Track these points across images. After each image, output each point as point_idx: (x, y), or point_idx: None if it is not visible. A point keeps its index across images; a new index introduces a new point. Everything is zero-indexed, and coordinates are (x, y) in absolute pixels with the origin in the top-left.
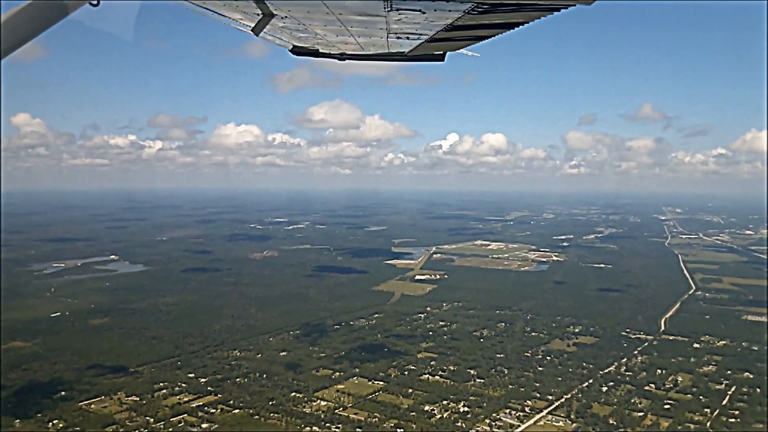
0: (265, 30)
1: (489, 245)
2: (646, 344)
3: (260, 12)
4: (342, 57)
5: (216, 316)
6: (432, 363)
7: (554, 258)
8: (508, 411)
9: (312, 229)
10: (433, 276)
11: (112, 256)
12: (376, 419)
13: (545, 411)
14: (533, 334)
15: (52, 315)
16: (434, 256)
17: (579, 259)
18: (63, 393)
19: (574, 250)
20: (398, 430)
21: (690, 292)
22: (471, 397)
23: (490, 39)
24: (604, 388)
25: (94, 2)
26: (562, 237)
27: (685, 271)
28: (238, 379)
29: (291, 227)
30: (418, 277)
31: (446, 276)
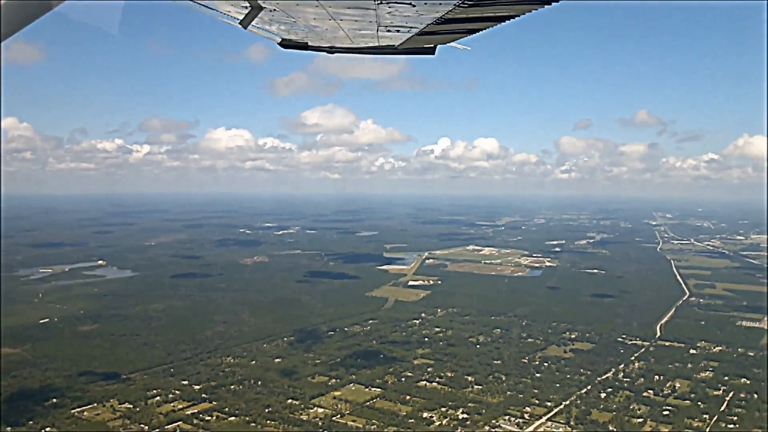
0: (253, 22)
1: (481, 250)
2: (642, 350)
3: (249, 4)
4: (331, 50)
5: (208, 323)
6: (429, 369)
7: (547, 263)
8: (507, 417)
9: (302, 234)
10: (426, 282)
11: (100, 262)
12: (375, 426)
13: (544, 417)
14: (529, 340)
15: (41, 321)
16: (427, 261)
17: (572, 264)
18: (54, 400)
19: (566, 255)
20: None
21: (684, 298)
22: (470, 404)
23: (481, 32)
24: (603, 395)
25: None
26: (554, 242)
27: (679, 277)
28: (232, 386)
29: (281, 232)
30: (411, 282)
31: (440, 282)
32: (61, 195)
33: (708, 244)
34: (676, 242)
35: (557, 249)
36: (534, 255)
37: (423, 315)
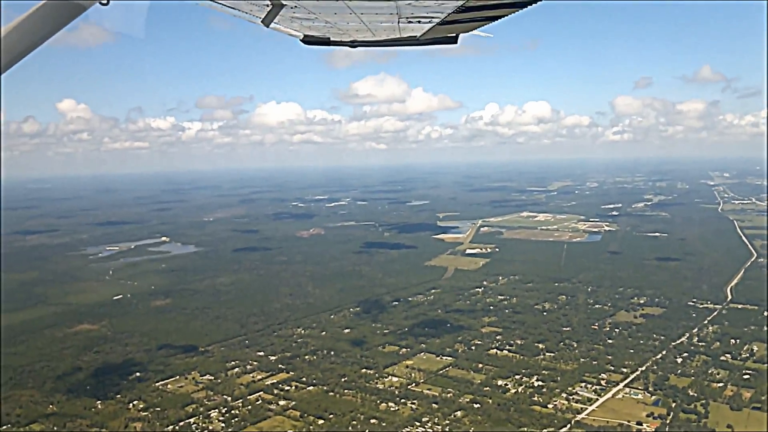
0: (274, 21)
1: (536, 216)
2: (715, 314)
3: (270, 2)
4: (353, 44)
5: (274, 295)
6: (498, 337)
7: (606, 228)
8: (583, 384)
9: (353, 206)
10: (483, 250)
11: (163, 238)
12: (451, 394)
13: (622, 384)
14: (597, 306)
15: (115, 297)
16: (482, 229)
17: (631, 228)
18: (138, 374)
19: (624, 219)
20: (475, 405)
21: (752, 260)
22: (543, 372)
23: (502, 18)
24: (679, 360)
25: (104, 1)
26: (611, 206)
27: (744, 238)
28: (307, 357)
29: (332, 204)
30: (468, 251)
31: (497, 249)
32: (116, 174)
33: None
34: (737, 202)
35: (614, 213)
36: (591, 219)
37: (485, 283)
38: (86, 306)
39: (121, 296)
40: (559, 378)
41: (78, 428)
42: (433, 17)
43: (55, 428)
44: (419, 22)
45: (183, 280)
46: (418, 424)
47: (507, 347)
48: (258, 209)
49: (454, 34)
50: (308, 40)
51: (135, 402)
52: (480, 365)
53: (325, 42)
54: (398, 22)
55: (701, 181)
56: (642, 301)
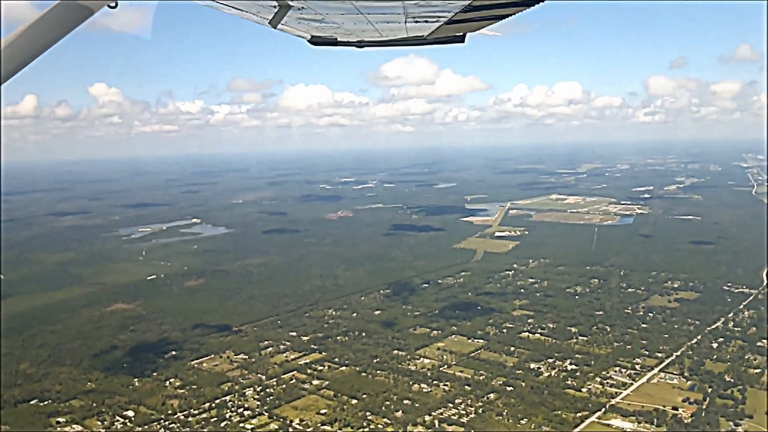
0: (282, 21)
1: (566, 199)
2: (751, 298)
3: (277, 4)
4: (361, 44)
5: (305, 276)
6: (529, 321)
7: (637, 211)
8: (617, 369)
9: (380, 188)
10: (513, 232)
11: (194, 220)
12: (483, 377)
13: (656, 369)
14: (630, 290)
15: (149, 278)
16: (510, 212)
17: (664, 211)
18: (174, 352)
19: (656, 201)
20: (508, 388)
21: None
22: (577, 355)
23: (510, 17)
24: (715, 345)
25: (112, 4)
26: (642, 189)
27: None
28: (338, 337)
29: (359, 187)
30: (497, 234)
31: (527, 232)
32: (144, 157)
33: None
34: None
35: (646, 195)
36: (622, 202)
37: (515, 266)
38: (121, 286)
39: (155, 276)
40: (592, 362)
41: (116, 404)
42: (440, 17)
43: (94, 404)
44: (426, 21)
45: (215, 261)
46: (451, 405)
47: (539, 330)
48: (286, 191)
49: (462, 33)
50: (316, 41)
51: (171, 380)
52: (512, 348)
53: (333, 42)
54: (405, 22)
55: (734, 163)
56: (676, 286)
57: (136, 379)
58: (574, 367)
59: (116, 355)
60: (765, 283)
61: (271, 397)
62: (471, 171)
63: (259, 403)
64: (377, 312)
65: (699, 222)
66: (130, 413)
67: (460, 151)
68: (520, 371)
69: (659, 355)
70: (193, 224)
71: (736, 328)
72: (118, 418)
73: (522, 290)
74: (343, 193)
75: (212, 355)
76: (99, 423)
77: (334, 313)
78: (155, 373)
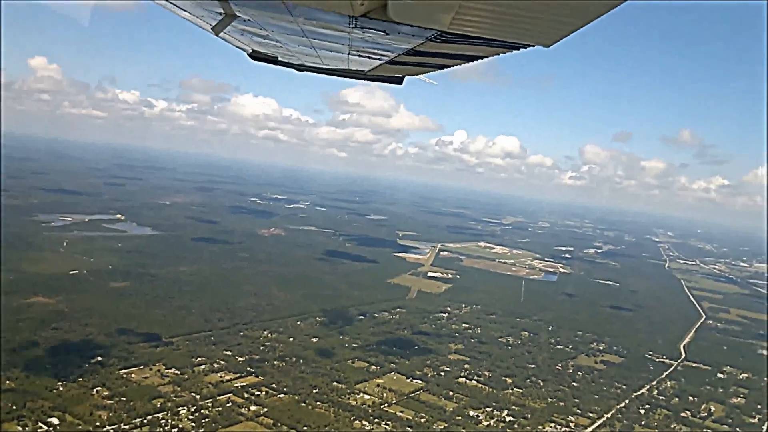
0: (225, 30)
1: (493, 248)
2: (671, 369)
3: (223, 11)
4: (300, 67)
5: (238, 292)
6: (465, 366)
7: (561, 269)
8: (553, 425)
9: (312, 210)
10: (445, 274)
11: (118, 216)
12: (424, 419)
13: (590, 429)
14: (559, 347)
15: (71, 272)
16: (441, 253)
17: (585, 273)
18: (100, 358)
19: (577, 263)
20: None
21: (701, 321)
22: (513, 407)
23: (449, 68)
24: (642, 411)
25: None
26: (563, 248)
27: (692, 298)
28: (275, 362)
29: (291, 206)
30: (430, 274)
31: (458, 276)
32: (70, 140)
33: (713, 267)
34: (682, 261)
35: (567, 255)
36: (546, 259)
37: (449, 309)
38: (41, 277)
39: (77, 272)
40: (529, 415)
41: (39, 409)
42: (383, 55)
43: (13, 406)
44: (369, 57)
45: (141, 263)
46: None
47: (475, 377)
48: (215, 199)
49: (401, 75)
50: (256, 56)
51: (99, 388)
52: (450, 393)
53: (273, 60)
54: (348, 54)
55: (646, 236)
56: (601, 348)
57: (60, 383)
58: (511, 418)
59: (37, 352)
60: (683, 356)
61: (207, 419)
62: (402, 206)
63: (194, 424)
64: (314, 339)
65: (618, 288)
66: (55, 420)
67: (391, 184)
68: (460, 417)
69: (591, 415)
70: (117, 220)
71: (660, 397)
72: (41, 424)
73: (456, 334)
74: (275, 210)
75: (142, 366)
76: (20, 429)
77: (269, 335)
78: (81, 379)
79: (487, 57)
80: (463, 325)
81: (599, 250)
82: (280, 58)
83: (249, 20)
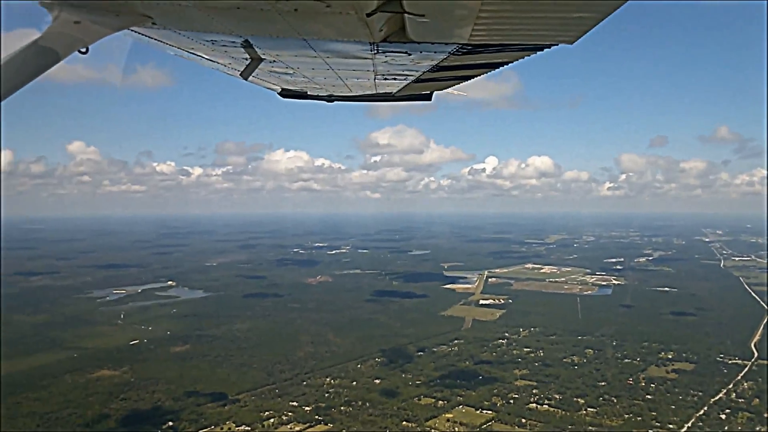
0: (253, 74)
1: (541, 269)
2: (746, 370)
3: (249, 56)
4: (330, 99)
5: (295, 342)
6: (534, 391)
7: (614, 281)
8: None
9: (355, 254)
10: (497, 301)
11: (170, 282)
12: None
13: None
14: (626, 360)
15: (131, 342)
16: (489, 280)
17: (640, 282)
18: (171, 423)
19: (630, 273)
20: None
21: None
22: (590, 428)
23: (476, 78)
24: (723, 416)
25: (83, 50)
26: (613, 260)
27: (754, 294)
28: (342, 407)
29: (333, 252)
30: (482, 302)
31: (510, 301)
32: (112, 216)
33: None
34: (737, 259)
35: (618, 267)
36: (597, 273)
37: (507, 335)
38: (103, 351)
39: (137, 341)
40: None
41: None
42: (408, 75)
43: None
44: (395, 79)
45: (198, 325)
46: None
47: (546, 401)
48: (260, 255)
49: (429, 92)
50: (286, 94)
51: None
52: (523, 419)
53: (303, 96)
54: (374, 79)
55: (695, 238)
56: (670, 356)
57: None
58: None
59: (110, 424)
60: (756, 355)
61: None
62: (441, 239)
63: None
64: (377, 380)
65: (676, 293)
66: None
67: (428, 219)
68: None
69: (671, 426)
70: (169, 287)
71: (740, 399)
72: None
73: (519, 359)
74: (319, 257)
75: (213, 426)
76: None
77: (332, 381)
78: None
79: (512, 62)
80: (525, 349)
81: (650, 258)
82: (309, 93)
83: (274, 61)
